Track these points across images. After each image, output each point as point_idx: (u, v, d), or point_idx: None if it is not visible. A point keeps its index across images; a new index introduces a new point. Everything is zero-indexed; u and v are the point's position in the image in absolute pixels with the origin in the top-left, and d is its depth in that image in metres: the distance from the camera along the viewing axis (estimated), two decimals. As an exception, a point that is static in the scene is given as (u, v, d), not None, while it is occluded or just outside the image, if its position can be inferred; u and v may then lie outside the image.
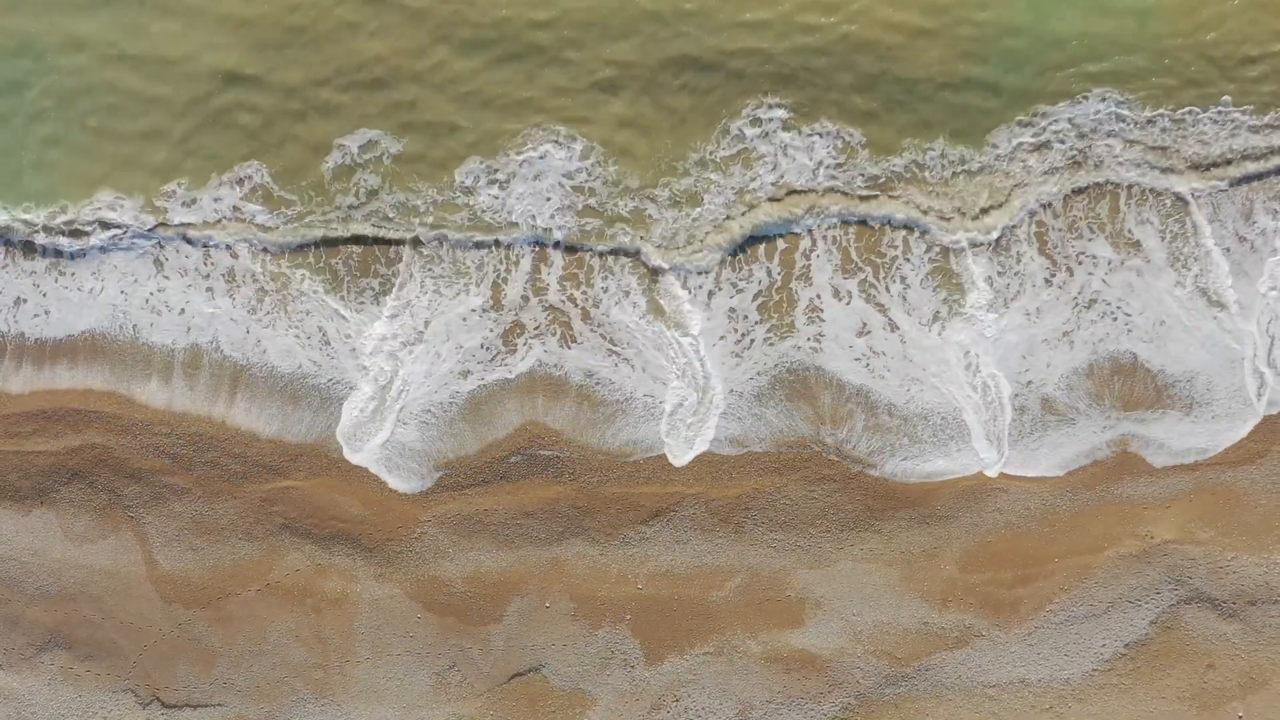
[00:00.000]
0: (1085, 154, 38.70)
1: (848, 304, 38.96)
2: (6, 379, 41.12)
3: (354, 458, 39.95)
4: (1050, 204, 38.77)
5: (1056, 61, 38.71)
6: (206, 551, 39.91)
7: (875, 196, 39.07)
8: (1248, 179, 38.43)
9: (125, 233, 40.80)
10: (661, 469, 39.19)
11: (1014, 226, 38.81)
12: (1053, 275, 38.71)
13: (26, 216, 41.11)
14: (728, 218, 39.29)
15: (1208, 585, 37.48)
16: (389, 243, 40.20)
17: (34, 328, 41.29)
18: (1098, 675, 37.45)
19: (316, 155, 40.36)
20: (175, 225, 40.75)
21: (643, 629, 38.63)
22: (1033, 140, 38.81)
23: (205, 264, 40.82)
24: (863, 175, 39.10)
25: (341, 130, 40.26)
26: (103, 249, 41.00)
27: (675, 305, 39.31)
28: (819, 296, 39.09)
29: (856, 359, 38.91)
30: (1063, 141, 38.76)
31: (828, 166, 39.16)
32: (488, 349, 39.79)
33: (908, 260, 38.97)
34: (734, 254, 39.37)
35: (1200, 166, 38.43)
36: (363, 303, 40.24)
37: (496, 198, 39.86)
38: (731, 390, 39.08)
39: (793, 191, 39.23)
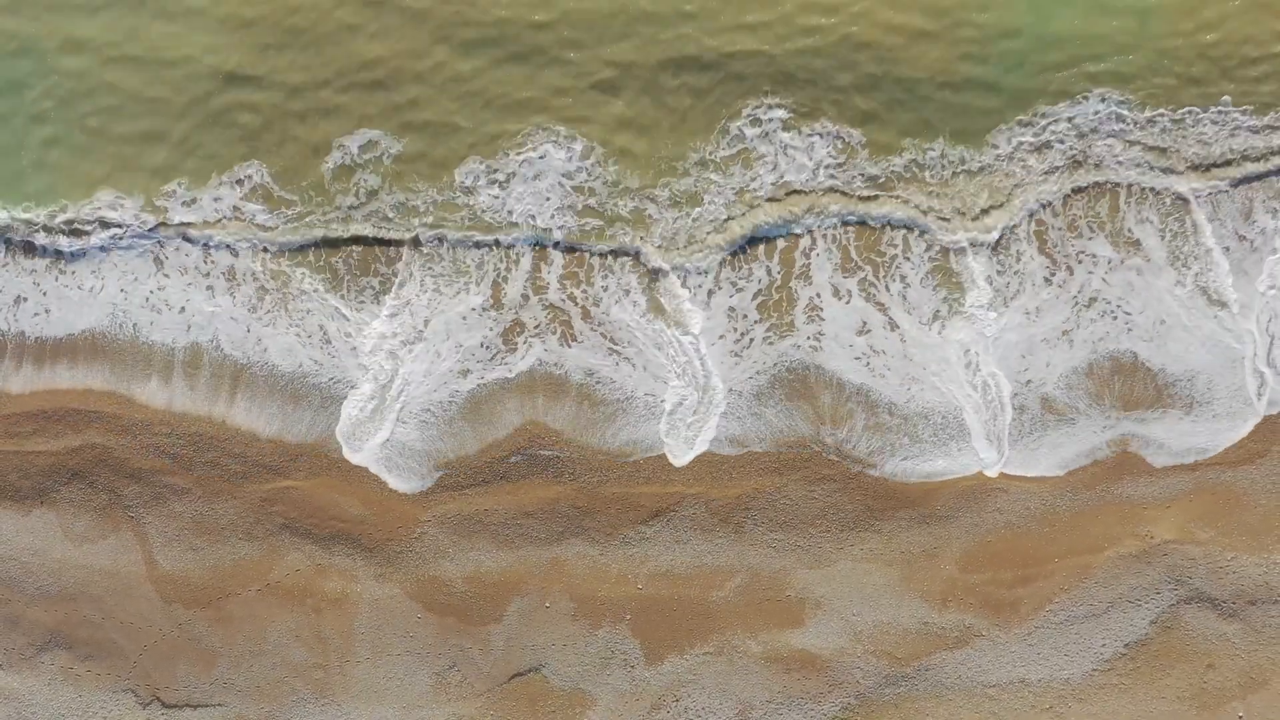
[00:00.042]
0: (1085, 154, 38.72)
1: (847, 303, 38.97)
2: (6, 379, 41.15)
3: (354, 457, 39.95)
4: (1050, 203, 38.80)
5: (1056, 62, 38.74)
6: (206, 551, 39.90)
7: (875, 197, 39.10)
8: (1248, 179, 38.45)
9: (125, 232, 40.85)
10: (661, 469, 39.18)
11: (1014, 226, 38.83)
12: (1052, 274, 38.72)
13: (27, 216, 41.16)
14: (728, 218, 39.31)
15: (1208, 585, 37.46)
16: (389, 242, 40.23)
17: (34, 326, 41.31)
18: (1098, 675, 37.41)
19: (316, 155, 40.41)
20: (175, 225, 40.80)
21: (643, 629, 38.60)
22: (1033, 140, 38.83)
23: (205, 262, 40.86)
24: (863, 175, 39.13)
25: (341, 130, 40.30)
26: (103, 248, 41.05)
27: (676, 304, 39.32)
28: (819, 295, 39.10)
29: (856, 358, 38.91)
30: (1063, 142, 38.78)
31: (828, 166, 39.18)
32: (488, 348, 39.80)
33: (908, 259, 38.99)
34: (734, 253, 39.39)
35: (1200, 167, 38.44)
36: (363, 301, 40.27)
37: (496, 198, 39.88)
38: (731, 389, 39.09)
39: (793, 191, 39.26)
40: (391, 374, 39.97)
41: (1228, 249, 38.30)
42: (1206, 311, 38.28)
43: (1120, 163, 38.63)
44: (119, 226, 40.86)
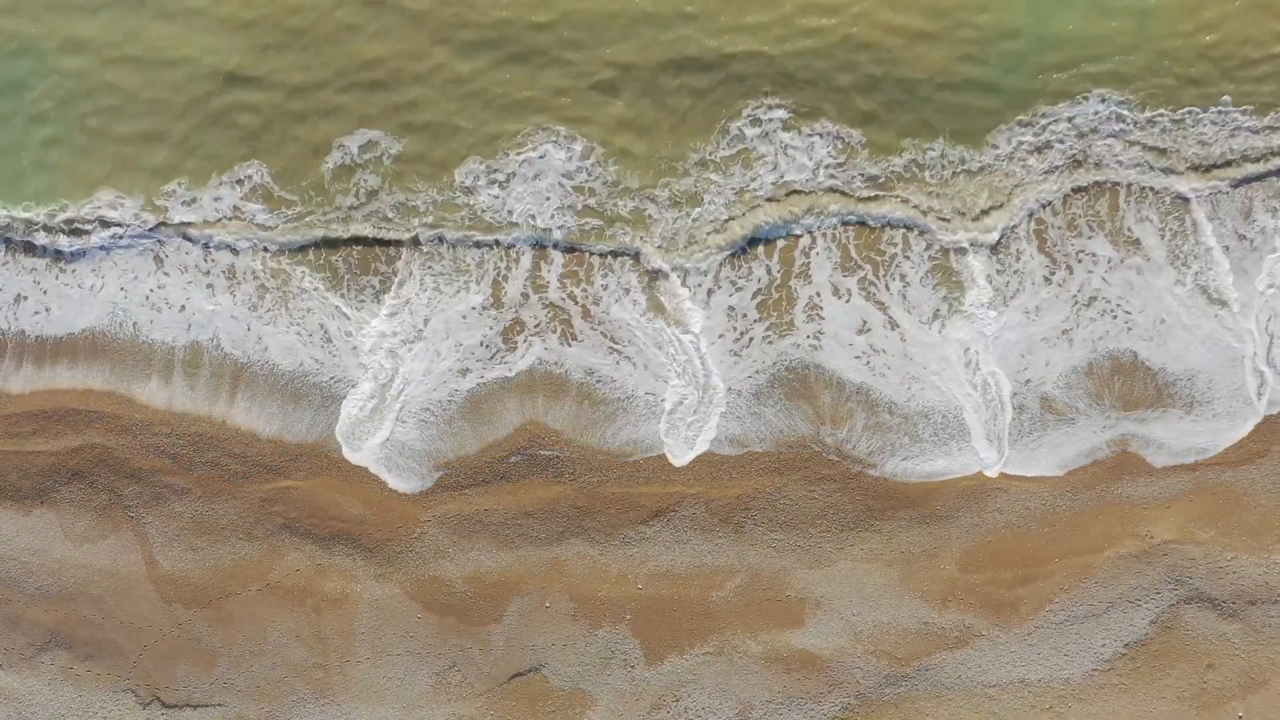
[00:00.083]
0: (1085, 154, 38.74)
1: (847, 302, 38.98)
2: (7, 378, 41.15)
3: (354, 457, 39.94)
4: (1050, 202, 38.81)
5: (1056, 62, 38.75)
6: (206, 551, 39.89)
7: (875, 197, 39.11)
8: (1248, 180, 38.46)
9: (125, 231, 40.86)
10: (661, 469, 39.17)
11: (1014, 226, 38.84)
12: (1052, 273, 38.73)
13: (27, 215, 41.18)
14: (728, 218, 39.31)
15: (1208, 585, 37.44)
16: (389, 242, 40.23)
17: (34, 325, 41.32)
18: (1098, 675, 37.39)
19: (316, 155, 40.42)
20: (175, 225, 40.82)
21: (643, 629, 38.58)
22: (1033, 141, 38.84)
23: (205, 261, 40.87)
24: (862, 175, 39.14)
25: (341, 131, 40.32)
26: (103, 247, 41.06)
27: (676, 303, 39.33)
28: (818, 294, 39.11)
29: (856, 357, 38.91)
30: (1062, 142, 38.80)
31: (828, 167, 39.20)
32: (487, 347, 39.80)
33: (907, 258, 39.00)
34: (734, 253, 39.39)
35: (1200, 168, 38.46)
36: (363, 300, 40.28)
37: (496, 198, 39.90)
38: (731, 389, 39.08)
39: (793, 192, 39.27)
40: (391, 373, 39.97)
41: (1228, 248, 38.31)
42: (1206, 310, 38.29)
43: (1120, 163, 38.65)
44: (119, 226, 40.89)
